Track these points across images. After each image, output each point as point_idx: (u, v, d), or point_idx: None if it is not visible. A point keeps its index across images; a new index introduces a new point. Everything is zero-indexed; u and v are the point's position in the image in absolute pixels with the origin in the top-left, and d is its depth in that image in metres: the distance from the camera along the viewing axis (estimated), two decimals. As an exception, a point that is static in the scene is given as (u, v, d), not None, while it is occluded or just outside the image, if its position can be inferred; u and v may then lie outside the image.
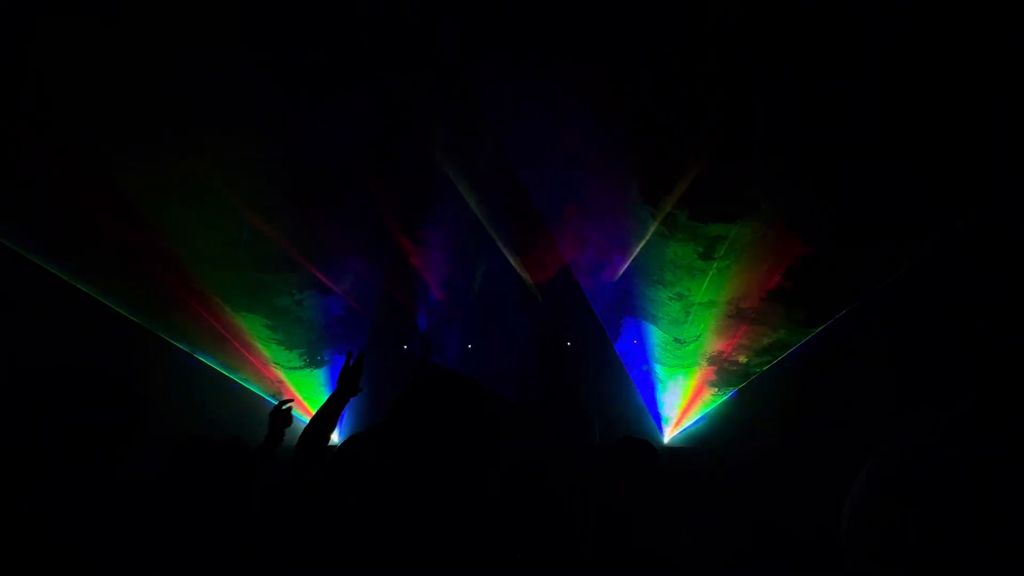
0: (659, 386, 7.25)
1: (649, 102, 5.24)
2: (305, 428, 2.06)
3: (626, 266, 6.73)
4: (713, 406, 7.03)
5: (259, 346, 6.77)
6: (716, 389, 7.02)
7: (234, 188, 5.51)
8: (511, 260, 7.03)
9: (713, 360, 6.88)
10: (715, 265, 6.27)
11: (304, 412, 6.57)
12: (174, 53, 4.59)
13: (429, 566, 1.00)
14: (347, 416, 6.34)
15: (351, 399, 2.32)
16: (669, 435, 7.18)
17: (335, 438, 2.45)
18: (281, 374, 6.97)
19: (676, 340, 6.94)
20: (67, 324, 5.22)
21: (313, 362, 7.12)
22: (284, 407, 2.63)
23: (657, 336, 7.07)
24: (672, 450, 6.91)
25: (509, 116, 5.88)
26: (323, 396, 4.03)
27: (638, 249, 6.53)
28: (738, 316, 6.53)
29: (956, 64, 4.40)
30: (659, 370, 7.21)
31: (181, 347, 6.31)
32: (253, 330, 6.64)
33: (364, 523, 1.08)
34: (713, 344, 6.77)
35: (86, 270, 5.44)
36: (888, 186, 5.13)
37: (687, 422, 7.15)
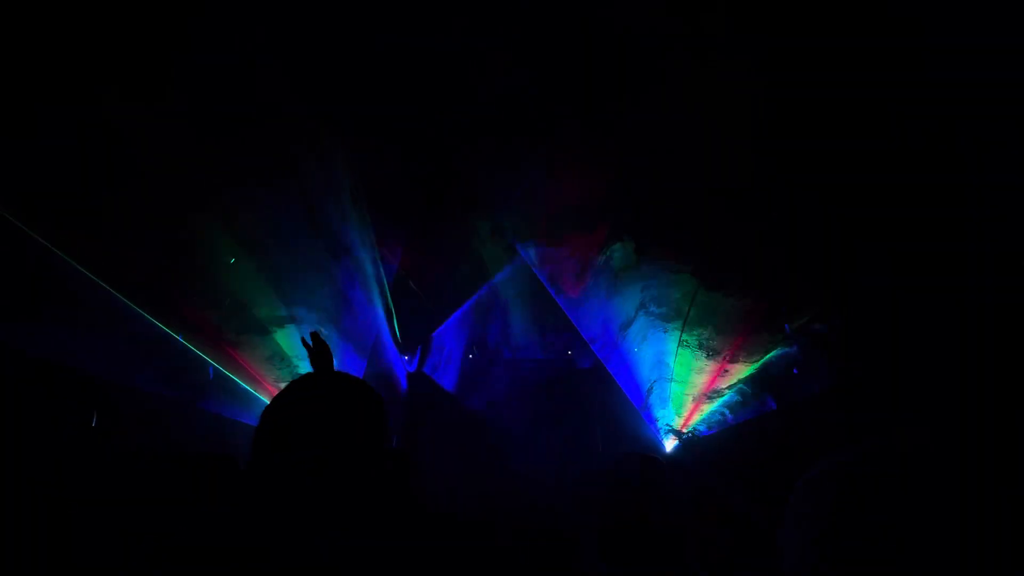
0: (659, 395, 7.24)
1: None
2: None
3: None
4: (716, 412, 7.01)
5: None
6: (717, 397, 7.02)
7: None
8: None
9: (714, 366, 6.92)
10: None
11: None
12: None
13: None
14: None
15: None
16: (670, 444, 7.15)
17: None
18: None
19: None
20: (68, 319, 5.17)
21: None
22: None
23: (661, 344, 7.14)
24: (673, 459, 6.86)
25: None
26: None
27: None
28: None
29: (956, 64, 4.40)
30: (660, 379, 7.23)
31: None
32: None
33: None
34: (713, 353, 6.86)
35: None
36: (888, 188, 5.13)
37: (687, 431, 7.11)
